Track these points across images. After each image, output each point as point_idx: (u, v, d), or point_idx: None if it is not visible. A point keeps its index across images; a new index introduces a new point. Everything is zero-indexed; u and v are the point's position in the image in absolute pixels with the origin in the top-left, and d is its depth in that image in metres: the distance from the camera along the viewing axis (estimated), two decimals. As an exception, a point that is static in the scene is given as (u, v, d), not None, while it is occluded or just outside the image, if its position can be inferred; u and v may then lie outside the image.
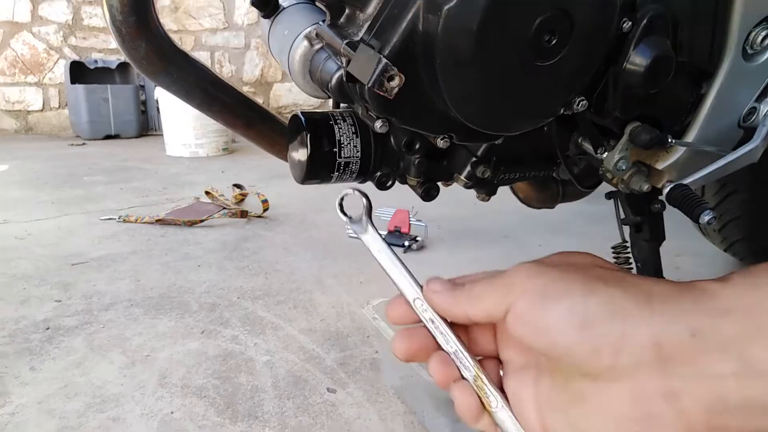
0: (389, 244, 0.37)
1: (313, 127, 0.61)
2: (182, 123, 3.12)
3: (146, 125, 4.16)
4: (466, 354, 0.33)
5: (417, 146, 0.63)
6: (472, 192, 0.69)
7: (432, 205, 2.28)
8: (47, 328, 1.04)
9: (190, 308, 1.14)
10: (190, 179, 2.51)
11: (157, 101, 3.76)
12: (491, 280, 0.32)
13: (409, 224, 1.58)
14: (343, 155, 0.63)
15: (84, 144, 3.63)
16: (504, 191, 0.78)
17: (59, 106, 4.16)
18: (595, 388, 0.28)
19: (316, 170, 0.63)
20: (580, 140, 0.66)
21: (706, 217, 0.59)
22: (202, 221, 1.73)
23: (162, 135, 3.39)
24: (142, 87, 4.11)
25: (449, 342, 0.33)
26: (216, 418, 0.78)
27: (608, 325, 0.27)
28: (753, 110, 0.61)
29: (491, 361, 0.34)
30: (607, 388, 0.28)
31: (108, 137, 3.82)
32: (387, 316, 0.36)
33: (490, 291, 0.31)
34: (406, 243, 1.52)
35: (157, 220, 1.72)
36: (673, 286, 0.28)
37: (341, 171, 0.64)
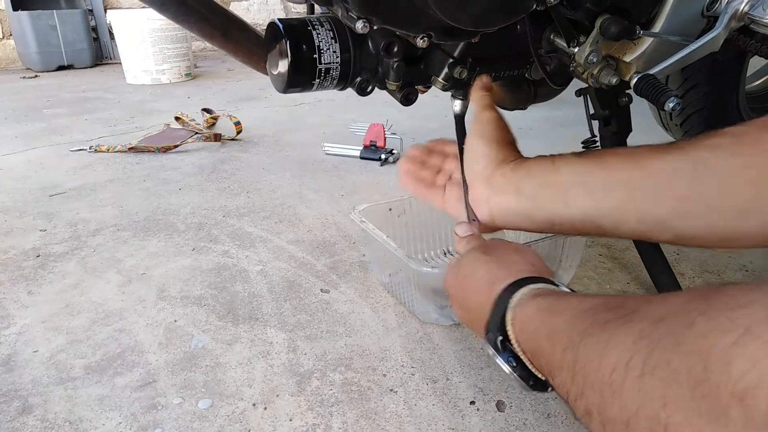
0: None
1: (292, 34, 0.62)
2: (141, 49, 2.98)
3: (100, 54, 3.95)
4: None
5: (395, 49, 0.64)
6: (441, 106, 0.72)
7: (405, 119, 2.28)
8: (38, 256, 1.06)
9: (178, 229, 1.16)
10: (157, 106, 2.45)
11: (110, 26, 3.56)
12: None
13: (385, 138, 1.60)
14: (323, 61, 0.63)
15: (36, 76, 3.45)
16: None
17: (3, 37, 3.90)
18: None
19: (297, 78, 0.64)
20: (552, 36, 0.68)
21: (671, 104, 0.62)
22: (176, 147, 1.71)
23: (119, 63, 3.24)
24: (91, 11, 3.87)
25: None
26: (218, 322, 0.83)
27: (492, 179, 0.58)
28: (715, -1, 0.64)
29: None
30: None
31: (61, 68, 3.63)
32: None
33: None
34: (383, 156, 1.55)
35: (130, 149, 1.70)
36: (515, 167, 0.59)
37: (322, 77, 0.65)
